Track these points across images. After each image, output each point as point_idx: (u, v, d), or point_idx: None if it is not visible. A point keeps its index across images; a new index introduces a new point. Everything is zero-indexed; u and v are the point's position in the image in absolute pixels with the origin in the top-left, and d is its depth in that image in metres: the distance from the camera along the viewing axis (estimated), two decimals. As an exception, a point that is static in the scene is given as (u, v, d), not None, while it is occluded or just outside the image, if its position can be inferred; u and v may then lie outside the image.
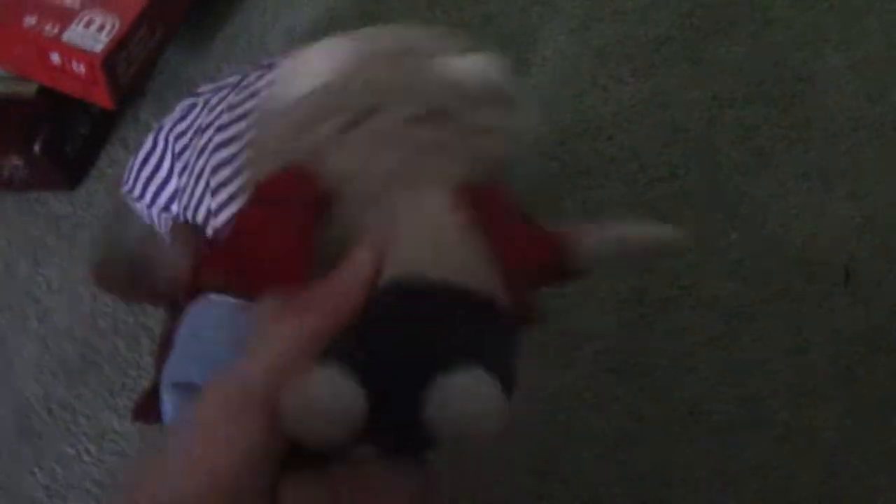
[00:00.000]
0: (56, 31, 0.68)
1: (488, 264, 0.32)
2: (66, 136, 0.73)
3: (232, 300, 0.49)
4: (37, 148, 0.70)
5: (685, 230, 0.34)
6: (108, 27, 0.68)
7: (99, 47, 0.67)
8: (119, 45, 0.68)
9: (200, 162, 0.55)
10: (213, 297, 0.50)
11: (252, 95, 0.56)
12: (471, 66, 0.37)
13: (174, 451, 0.27)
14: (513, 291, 0.32)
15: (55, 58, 0.68)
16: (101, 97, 0.71)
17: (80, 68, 0.68)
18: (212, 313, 0.51)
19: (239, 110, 0.56)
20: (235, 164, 0.53)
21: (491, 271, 0.32)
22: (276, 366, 0.27)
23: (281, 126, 0.35)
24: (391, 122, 0.35)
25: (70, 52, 0.67)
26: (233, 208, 0.52)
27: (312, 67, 0.37)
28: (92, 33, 0.68)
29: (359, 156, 0.34)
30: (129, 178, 0.62)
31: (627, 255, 0.35)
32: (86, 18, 0.69)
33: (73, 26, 0.68)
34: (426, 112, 0.35)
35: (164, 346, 0.55)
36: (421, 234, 0.33)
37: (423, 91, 0.36)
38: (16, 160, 0.71)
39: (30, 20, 0.68)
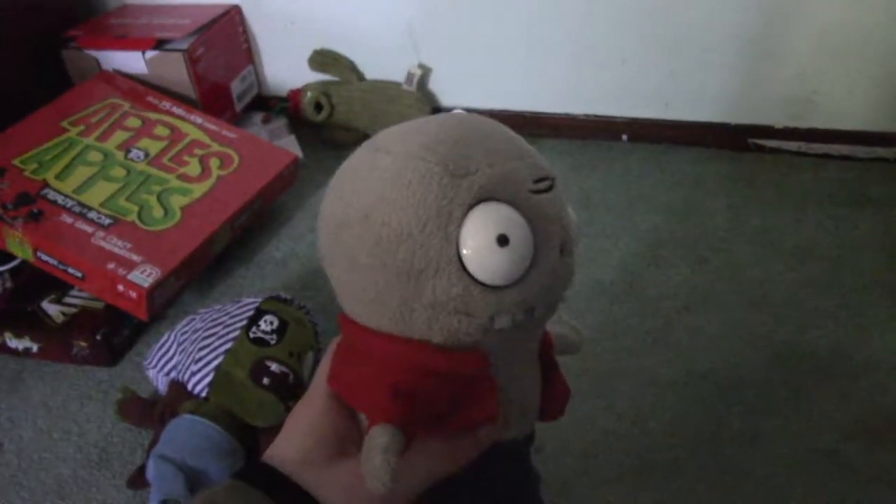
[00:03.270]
0: (124, 272, 1.15)
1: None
2: (115, 333, 1.18)
3: (193, 417, 0.94)
4: (98, 338, 1.16)
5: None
6: (153, 274, 1.15)
7: (146, 284, 1.14)
8: (157, 285, 1.14)
9: (191, 347, 1.01)
10: (185, 415, 0.95)
11: (225, 314, 1.04)
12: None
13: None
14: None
15: (121, 287, 1.15)
16: (141, 314, 1.15)
17: (132, 295, 1.15)
18: (182, 423, 0.95)
19: (217, 321, 1.03)
20: (210, 349, 0.99)
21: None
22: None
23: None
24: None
25: (130, 285, 1.14)
26: (205, 373, 0.98)
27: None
28: (144, 276, 1.15)
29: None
30: (149, 356, 1.08)
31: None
32: (142, 267, 1.17)
33: (134, 271, 1.15)
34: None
35: (153, 443, 0.99)
36: (522, 401, 0.40)
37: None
38: (83, 344, 1.16)
39: (111, 265, 1.17)
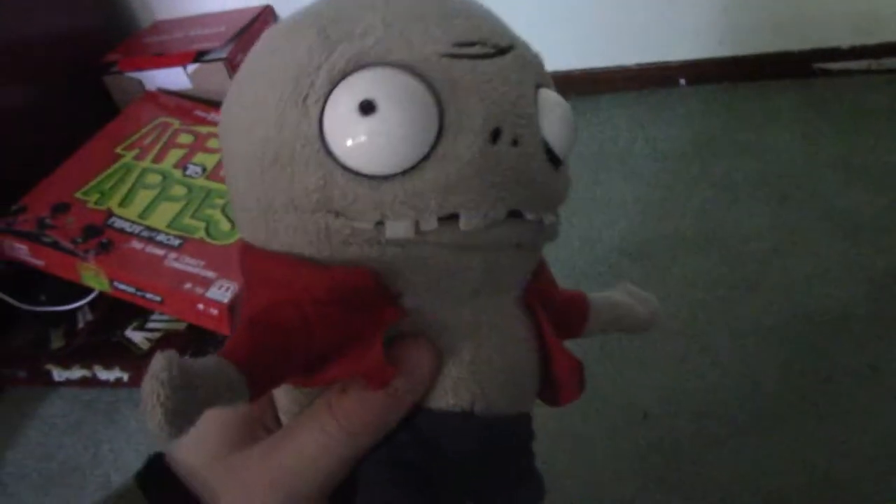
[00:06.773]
0: (202, 291, 1.15)
1: (537, 378, 0.30)
2: (201, 352, 1.18)
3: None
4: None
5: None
6: (231, 288, 1.14)
7: (226, 300, 1.13)
8: (237, 298, 1.17)
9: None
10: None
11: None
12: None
13: None
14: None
15: (201, 306, 1.15)
16: (225, 329, 1.14)
17: (214, 312, 1.14)
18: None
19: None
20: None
21: (537, 385, 0.30)
22: (309, 471, 0.26)
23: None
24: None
25: (209, 303, 1.14)
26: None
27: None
28: (222, 292, 1.15)
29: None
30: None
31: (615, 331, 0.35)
32: (218, 283, 1.17)
33: (212, 288, 1.16)
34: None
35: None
36: (493, 356, 0.28)
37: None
38: (172, 367, 1.18)
39: (187, 286, 1.17)
